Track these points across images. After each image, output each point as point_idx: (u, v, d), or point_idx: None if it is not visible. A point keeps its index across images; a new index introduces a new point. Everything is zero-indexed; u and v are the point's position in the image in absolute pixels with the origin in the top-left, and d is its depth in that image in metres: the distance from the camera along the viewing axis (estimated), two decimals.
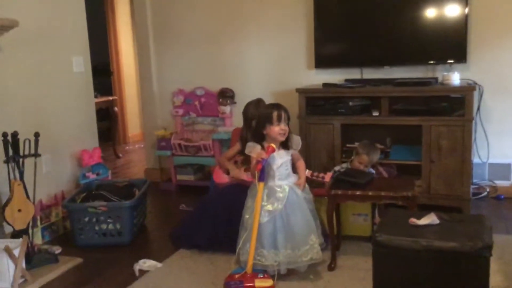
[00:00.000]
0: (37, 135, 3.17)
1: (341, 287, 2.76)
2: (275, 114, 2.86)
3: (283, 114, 2.86)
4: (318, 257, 2.85)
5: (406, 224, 2.33)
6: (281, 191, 2.86)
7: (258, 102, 3.60)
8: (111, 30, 7.27)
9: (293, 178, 2.95)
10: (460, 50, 4.00)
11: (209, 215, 3.33)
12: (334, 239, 3.06)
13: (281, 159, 2.89)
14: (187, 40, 4.91)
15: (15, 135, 3.07)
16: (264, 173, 2.82)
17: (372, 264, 2.29)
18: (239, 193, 3.13)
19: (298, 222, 2.84)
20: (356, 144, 3.92)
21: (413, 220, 2.34)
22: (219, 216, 3.28)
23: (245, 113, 3.58)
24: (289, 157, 2.93)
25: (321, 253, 2.87)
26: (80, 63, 4.16)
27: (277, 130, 2.85)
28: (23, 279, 2.91)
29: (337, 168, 3.69)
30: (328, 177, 3.23)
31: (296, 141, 2.97)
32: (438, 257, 2.13)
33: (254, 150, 2.87)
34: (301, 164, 3.04)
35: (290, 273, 2.87)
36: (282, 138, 2.87)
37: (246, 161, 3.35)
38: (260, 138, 2.92)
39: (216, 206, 3.34)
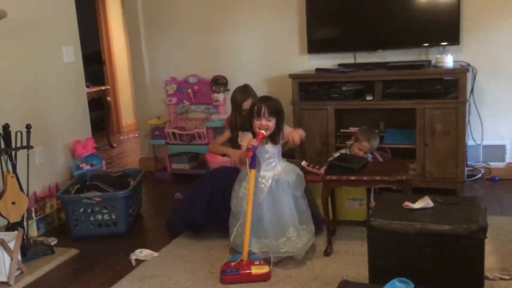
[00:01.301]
0: (28, 127, 3.14)
1: (337, 272, 2.77)
2: (255, 109, 2.86)
3: (263, 110, 2.83)
4: (295, 250, 2.83)
5: (400, 208, 2.34)
6: (265, 181, 2.86)
7: (245, 87, 3.61)
8: (102, 18, 7.19)
9: (279, 168, 2.91)
10: (453, 32, 3.98)
11: (203, 193, 3.33)
12: (330, 225, 3.06)
13: (267, 153, 2.88)
14: (178, 27, 4.87)
15: (6, 127, 3.05)
16: (255, 160, 2.82)
17: (367, 248, 2.30)
18: (233, 171, 3.15)
19: (278, 212, 2.84)
20: (351, 129, 3.91)
21: (407, 204, 2.34)
22: (214, 194, 3.29)
23: (233, 99, 3.60)
24: (276, 151, 2.91)
25: (299, 247, 2.83)
26: (71, 53, 4.12)
27: (257, 124, 2.85)
28: (19, 272, 2.91)
29: (336, 155, 3.67)
30: (323, 170, 3.22)
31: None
32: (433, 240, 2.14)
33: (245, 139, 2.88)
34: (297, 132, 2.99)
35: (286, 259, 2.88)
36: (265, 134, 2.85)
37: (236, 148, 3.36)
38: (249, 127, 2.91)
39: (211, 185, 3.35)
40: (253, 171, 2.81)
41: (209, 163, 3.65)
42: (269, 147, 2.90)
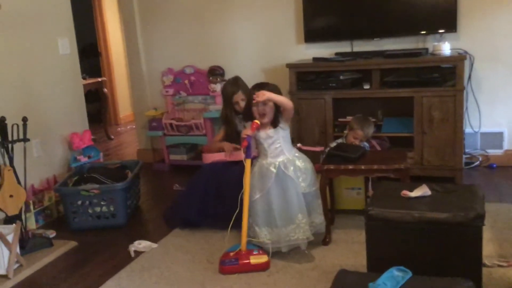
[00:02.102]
0: (25, 119, 3.13)
1: (336, 261, 2.78)
2: (251, 96, 2.84)
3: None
4: (305, 237, 2.82)
5: (398, 197, 2.34)
6: (272, 168, 2.84)
7: (235, 80, 3.56)
8: (97, 10, 7.15)
9: (287, 155, 2.89)
10: (450, 19, 3.96)
11: (197, 191, 3.33)
12: (328, 214, 3.06)
13: (270, 138, 2.86)
14: (174, 18, 4.83)
15: (2, 120, 3.04)
16: (250, 150, 2.82)
17: (365, 237, 2.30)
18: (226, 167, 3.13)
19: (286, 199, 2.83)
20: (349, 118, 3.90)
21: (405, 192, 2.34)
22: (208, 191, 3.29)
23: (223, 92, 3.56)
24: (279, 135, 2.87)
25: (309, 233, 2.83)
26: (66, 45, 4.09)
27: (254, 110, 2.84)
28: (18, 264, 2.91)
29: (332, 145, 3.67)
30: (319, 148, 3.22)
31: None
32: (431, 229, 2.14)
33: (244, 131, 2.87)
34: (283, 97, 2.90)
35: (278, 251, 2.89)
36: (262, 119, 2.82)
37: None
38: (249, 116, 2.89)
39: (205, 181, 3.34)
40: (248, 161, 2.81)
41: (204, 160, 3.57)
42: (271, 131, 2.86)
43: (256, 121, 2.80)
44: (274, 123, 2.87)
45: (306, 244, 2.86)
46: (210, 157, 3.49)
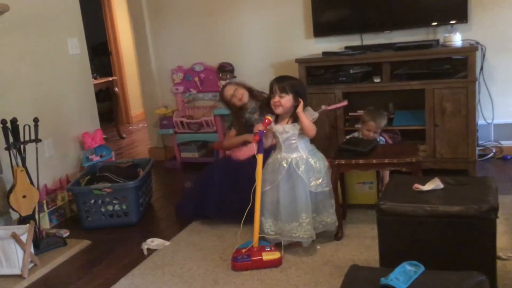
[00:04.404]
0: (36, 120, 3.15)
1: (348, 256, 2.76)
2: (270, 86, 2.85)
3: (274, 87, 2.80)
4: (306, 236, 2.80)
5: (410, 190, 2.31)
6: (284, 163, 2.83)
7: (227, 83, 3.66)
8: (107, 10, 7.18)
9: (301, 153, 2.84)
10: (461, 10, 3.90)
11: (214, 182, 3.33)
12: (340, 209, 3.04)
13: (285, 133, 2.84)
14: (183, 15, 4.83)
15: (14, 121, 3.06)
16: (261, 145, 2.81)
17: (377, 232, 2.28)
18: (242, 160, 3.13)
19: (293, 196, 2.81)
20: (360, 113, 3.88)
21: (417, 186, 2.32)
22: (225, 183, 3.29)
23: (222, 99, 3.65)
24: (296, 132, 2.82)
25: (311, 233, 2.80)
26: (76, 45, 4.11)
27: (271, 102, 2.83)
28: (32, 264, 2.94)
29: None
30: (343, 103, 3.25)
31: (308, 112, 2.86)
32: (444, 222, 2.12)
33: (256, 126, 2.86)
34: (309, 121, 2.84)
35: (295, 245, 2.88)
36: (277, 111, 2.81)
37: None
38: (268, 108, 2.87)
39: (220, 173, 3.35)
40: (260, 155, 2.80)
41: (235, 157, 3.42)
42: (288, 127, 2.82)
43: (269, 117, 2.79)
44: (294, 119, 2.83)
45: (309, 242, 2.85)
46: (243, 153, 3.35)
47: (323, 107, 3.34)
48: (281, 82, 2.82)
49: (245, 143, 3.43)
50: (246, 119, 3.60)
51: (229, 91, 3.55)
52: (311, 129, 2.81)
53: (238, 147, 3.48)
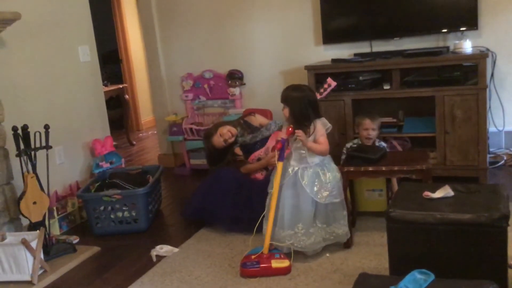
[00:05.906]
0: (47, 127, 3.18)
1: (358, 264, 2.75)
2: (286, 97, 2.87)
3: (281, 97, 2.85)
4: (299, 246, 2.80)
5: (420, 198, 2.30)
6: (290, 170, 2.84)
7: (210, 138, 3.63)
8: (118, 17, 7.24)
9: (309, 164, 2.83)
10: (471, 17, 3.89)
11: (225, 192, 3.33)
12: (349, 216, 3.03)
13: (297, 143, 2.83)
14: (192, 23, 4.86)
15: (25, 128, 3.09)
16: (283, 153, 2.81)
17: (387, 239, 2.27)
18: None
19: (294, 205, 2.82)
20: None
21: (427, 193, 2.30)
22: (237, 197, 3.30)
23: (213, 148, 3.65)
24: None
25: (305, 244, 2.79)
26: (86, 52, 4.14)
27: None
28: (42, 270, 2.95)
29: (348, 145, 3.64)
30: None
31: (320, 125, 2.86)
32: (454, 230, 2.10)
33: (280, 133, 2.92)
34: (317, 145, 2.84)
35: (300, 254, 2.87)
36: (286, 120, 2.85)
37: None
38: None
39: (231, 184, 3.36)
40: (280, 164, 2.80)
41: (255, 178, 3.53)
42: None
43: (291, 126, 2.79)
44: (303, 131, 2.81)
45: (311, 252, 2.84)
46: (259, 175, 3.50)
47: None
48: (283, 92, 2.86)
49: (266, 168, 3.47)
50: (241, 144, 3.64)
51: (219, 139, 3.56)
52: (320, 152, 2.82)
53: (254, 171, 3.52)
